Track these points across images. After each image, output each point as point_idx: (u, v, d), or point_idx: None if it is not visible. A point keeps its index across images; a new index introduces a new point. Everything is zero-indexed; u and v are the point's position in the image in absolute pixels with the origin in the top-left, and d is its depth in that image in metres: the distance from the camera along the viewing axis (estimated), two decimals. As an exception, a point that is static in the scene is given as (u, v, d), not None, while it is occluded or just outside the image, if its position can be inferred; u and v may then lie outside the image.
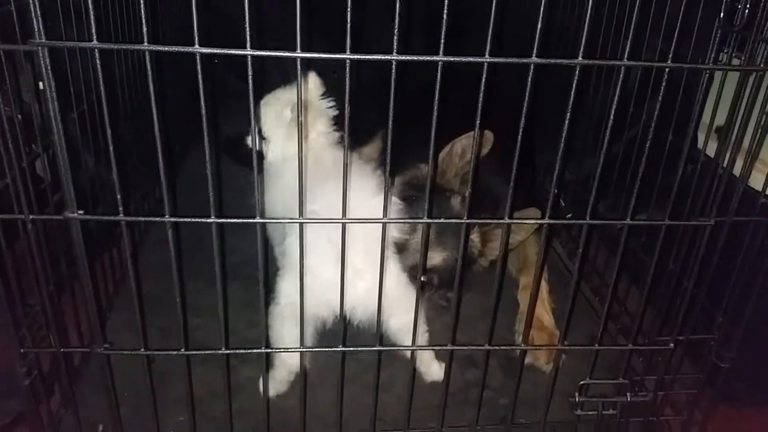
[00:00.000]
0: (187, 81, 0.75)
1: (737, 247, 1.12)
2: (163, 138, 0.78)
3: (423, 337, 1.27)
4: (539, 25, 0.75)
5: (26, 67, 1.08)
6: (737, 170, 1.05)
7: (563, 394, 1.16)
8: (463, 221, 0.92)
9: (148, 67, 0.74)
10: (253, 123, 0.80)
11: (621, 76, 0.82)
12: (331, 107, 1.36)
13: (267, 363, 1.07)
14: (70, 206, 0.83)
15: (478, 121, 0.82)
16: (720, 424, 1.26)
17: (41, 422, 1.13)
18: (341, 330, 0.99)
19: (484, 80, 0.78)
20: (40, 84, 0.77)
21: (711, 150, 1.10)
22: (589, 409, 1.14)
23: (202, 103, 0.76)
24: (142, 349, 0.95)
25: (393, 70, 0.75)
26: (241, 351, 1.00)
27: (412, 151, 1.15)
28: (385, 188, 0.87)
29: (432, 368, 1.29)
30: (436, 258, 1.43)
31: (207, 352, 0.99)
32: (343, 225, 0.89)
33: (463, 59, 0.77)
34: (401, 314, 1.15)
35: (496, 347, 1.07)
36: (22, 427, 1.15)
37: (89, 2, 0.71)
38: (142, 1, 0.71)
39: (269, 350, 1.00)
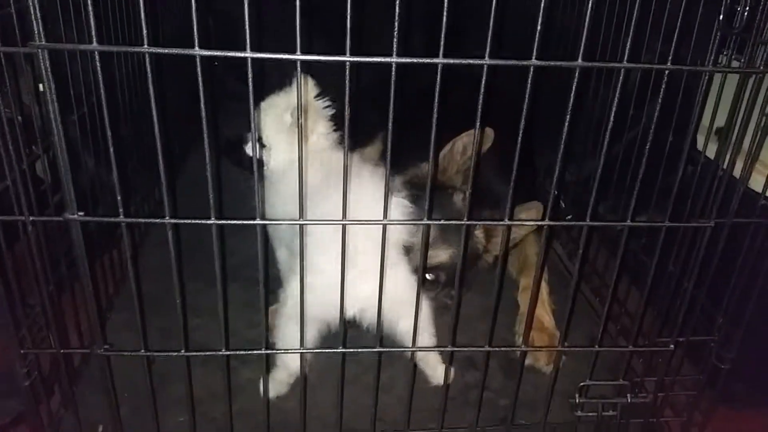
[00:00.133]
0: (188, 83, 0.75)
1: (737, 248, 1.12)
2: (163, 140, 0.78)
3: (431, 341, 1.26)
4: (539, 28, 0.75)
5: (26, 69, 1.08)
6: (737, 172, 1.05)
7: (563, 395, 1.16)
8: (463, 222, 0.92)
9: (148, 69, 0.74)
10: (253, 127, 0.80)
11: (621, 78, 0.82)
12: (328, 107, 1.35)
13: (267, 364, 1.07)
14: (70, 208, 0.83)
15: (478, 122, 0.82)
16: (720, 425, 1.26)
17: (41, 422, 1.13)
18: (341, 331, 0.99)
19: (484, 82, 0.78)
20: (40, 86, 0.77)
21: (711, 152, 1.10)
22: (589, 411, 1.14)
23: (202, 105, 0.76)
24: (142, 351, 0.96)
25: (393, 72, 0.76)
26: (241, 352, 1.01)
27: (413, 151, 1.15)
28: (385, 189, 0.87)
29: (438, 371, 1.28)
30: (441, 255, 1.42)
31: (207, 353, 0.99)
32: (343, 226, 0.90)
33: (463, 62, 0.77)
34: (409, 317, 1.12)
35: (497, 348, 1.07)
36: (22, 428, 1.15)
37: (89, 4, 0.71)
38: (141, 3, 0.71)
39: (269, 351, 1.01)
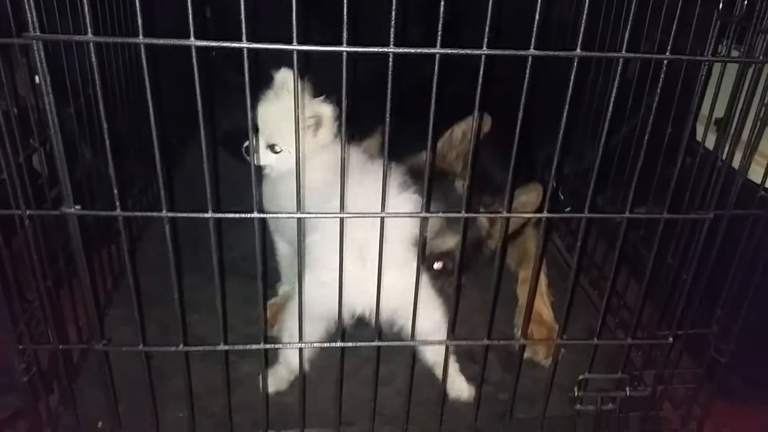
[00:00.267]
0: (186, 74, 0.75)
1: (736, 240, 1.11)
2: (159, 132, 0.77)
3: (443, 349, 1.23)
4: (537, 18, 0.75)
5: (22, 61, 1.08)
6: (736, 163, 1.05)
7: (562, 389, 1.16)
8: (461, 215, 0.92)
9: (143, 61, 0.73)
10: (249, 123, 0.79)
11: (619, 68, 0.82)
12: (326, 101, 1.34)
13: (266, 359, 1.06)
14: (66, 201, 0.82)
15: (476, 112, 0.82)
16: (719, 418, 1.25)
17: (40, 418, 1.13)
18: (339, 326, 0.99)
19: (482, 73, 0.77)
20: (36, 78, 0.76)
21: (710, 142, 1.10)
22: (588, 404, 1.13)
23: (198, 96, 0.76)
24: (141, 346, 0.95)
25: (390, 63, 0.75)
26: (240, 347, 1.00)
27: (412, 141, 1.14)
28: (383, 180, 0.86)
29: (457, 384, 1.23)
30: (449, 242, 1.40)
31: (206, 348, 0.98)
32: (341, 220, 0.89)
33: (461, 52, 0.77)
34: (423, 318, 1.08)
35: (495, 342, 1.06)
36: (21, 423, 1.15)
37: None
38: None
39: (268, 346, 1.00)
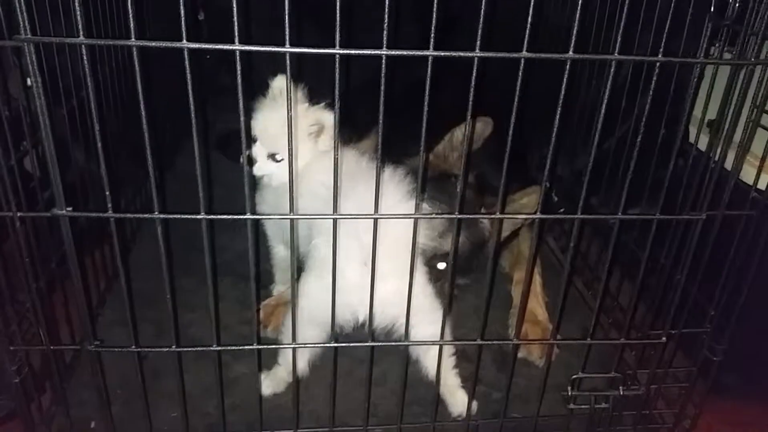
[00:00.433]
0: (179, 76, 0.75)
1: (729, 240, 1.12)
2: (152, 134, 0.77)
3: (449, 360, 1.22)
4: (529, 19, 0.75)
5: (14, 63, 1.07)
6: (729, 164, 1.05)
7: (556, 389, 1.16)
8: (455, 216, 0.92)
9: (136, 63, 0.73)
10: (242, 124, 0.79)
11: (612, 70, 0.82)
12: (327, 108, 1.34)
13: (259, 359, 1.06)
14: (58, 203, 0.82)
15: (469, 114, 0.82)
16: (712, 416, 1.26)
17: (32, 419, 1.12)
18: (332, 325, 0.99)
19: (474, 75, 0.78)
20: (28, 80, 0.76)
21: (703, 144, 1.10)
22: (582, 403, 1.14)
23: (191, 98, 0.75)
24: (133, 346, 0.95)
25: (383, 65, 0.75)
26: (233, 347, 1.00)
27: (411, 142, 1.15)
28: (376, 182, 0.86)
29: (458, 397, 1.20)
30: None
31: (198, 348, 0.98)
32: (334, 221, 0.89)
33: (454, 54, 0.77)
34: (426, 325, 1.09)
35: (488, 342, 1.07)
36: (13, 424, 1.15)
37: (76, -3, 0.71)
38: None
39: (261, 347, 1.00)
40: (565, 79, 0.81)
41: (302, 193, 1.18)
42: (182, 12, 0.70)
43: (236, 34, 0.72)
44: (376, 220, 0.90)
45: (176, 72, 0.75)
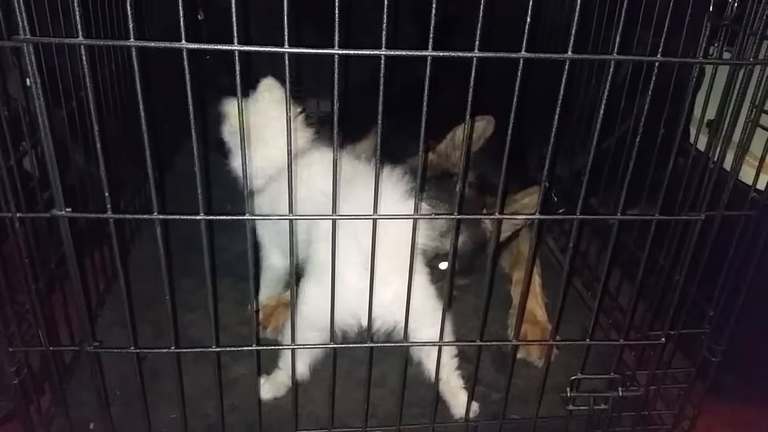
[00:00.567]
0: (178, 77, 0.75)
1: (728, 241, 1.12)
2: (151, 134, 0.77)
3: (451, 362, 1.21)
4: (528, 20, 0.75)
5: (13, 64, 1.07)
6: (728, 164, 1.05)
7: (556, 389, 1.16)
8: (454, 217, 0.92)
9: (135, 64, 0.73)
10: (241, 122, 0.79)
11: (611, 70, 0.82)
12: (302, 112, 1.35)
13: (258, 360, 1.06)
14: (58, 204, 0.82)
15: (468, 114, 0.82)
16: (711, 417, 1.26)
17: (32, 421, 1.12)
18: (331, 326, 0.99)
19: (473, 75, 0.78)
20: (27, 80, 0.76)
21: (702, 144, 1.10)
22: (581, 404, 1.14)
23: (190, 99, 0.75)
24: (132, 348, 0.95)
25: (382, 65, 0.75)
26: (232, 349, 1.00)
27: (411, 142, 1.15)
28: (375, 183, 0.86)
29: (459, 398, 1.19)
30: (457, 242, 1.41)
31: (197, 349, 0.98)
32: (333, 222, 0.89)
33: (453, 54, 0.77)
34: (427, 327, 1.08)
35: (487, 343, 1.06)
36: (12, 426, 1.14)
37: (75, -2, 0.71)
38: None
39: (260, 348, 1.00)
40: (564, 79, 0.81)
41: (302, 198, 1.19)
42: (181, 12, 0.70)
43: (235, 34, 0.72)
44: (375, 221, 0.89)
45: (175, 72, 0.75)
